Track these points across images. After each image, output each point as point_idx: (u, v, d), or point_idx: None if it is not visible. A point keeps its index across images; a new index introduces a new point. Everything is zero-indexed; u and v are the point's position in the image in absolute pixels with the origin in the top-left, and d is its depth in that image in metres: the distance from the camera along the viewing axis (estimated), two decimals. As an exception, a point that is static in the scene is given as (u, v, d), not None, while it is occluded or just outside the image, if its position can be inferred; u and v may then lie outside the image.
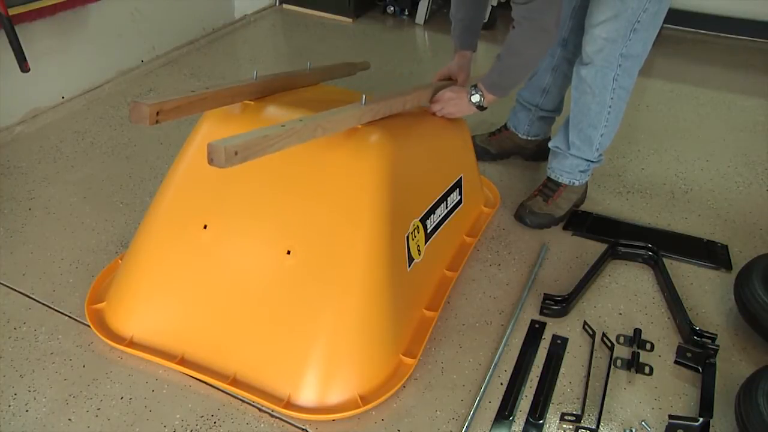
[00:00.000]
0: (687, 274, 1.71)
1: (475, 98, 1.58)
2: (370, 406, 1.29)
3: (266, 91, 1.51)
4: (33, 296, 1.57)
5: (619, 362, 1.44)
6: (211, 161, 1.02)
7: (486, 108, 1.61)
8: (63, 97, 2.41)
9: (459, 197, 1.70)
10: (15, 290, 1.59)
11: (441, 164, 1.64)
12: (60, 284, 1.61)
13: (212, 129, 1.42)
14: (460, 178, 1.71)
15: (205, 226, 1.38)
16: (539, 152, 2.10)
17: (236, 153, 1.03)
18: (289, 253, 1.31)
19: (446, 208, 1.62)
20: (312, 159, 1.35)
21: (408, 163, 1.43)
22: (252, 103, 1.46)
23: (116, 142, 2.21)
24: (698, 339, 1.46)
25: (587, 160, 1.81)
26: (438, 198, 1.58)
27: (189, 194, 1.43)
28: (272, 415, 1.30)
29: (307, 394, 1.29)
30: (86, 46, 2.43)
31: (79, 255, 1.70)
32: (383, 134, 1.39)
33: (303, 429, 1.28)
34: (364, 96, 1.39)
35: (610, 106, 1.69)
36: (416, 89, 1.60)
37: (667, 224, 1.91)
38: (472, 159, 1.82)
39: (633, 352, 1.46)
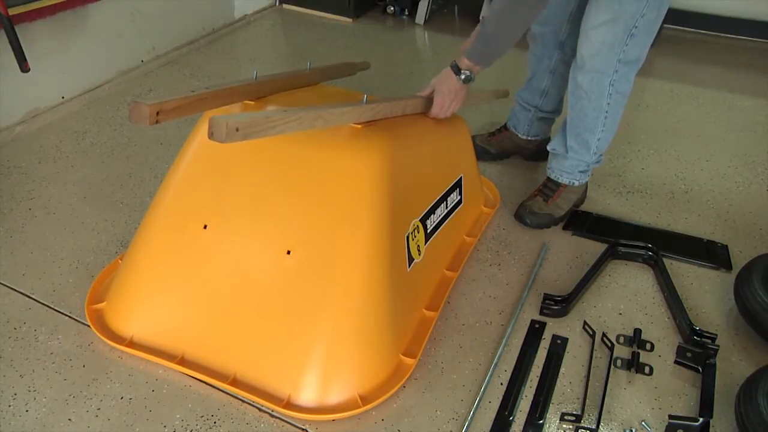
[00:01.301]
0: (687, 274, 1.71)
1: (466, 78, 1.54)
2: (370, 406, 1.29)
3: (266, 91, 1.51)
4: (33, 296, 1.57)
5: (619, 362, 1.44)
6: (211, 135, 1.02)
7: (474, 79, 1.57)
8: (63, 97, 2.41)
9: (459, 197, 1.70)
10: (15, 290, 1.59)
11: (441, 164, 1.64)
12: (60, 284, 1.61)
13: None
14: (460, 178, 1.71)
15: (205, 226, 1.38)
16: (539, 152, 2.10)
17: (237, 129, 1.03)
18: (289, 253, 1.32)
19: (446, 208, 1.62)
20: (312, 159, 1.35)
21: (408, 163, 1.43)
22: (252, 103, 1.46)
23: (116, 142, 2.21)
24: (698, 339, 1.46)
25: (586, 162, 1.81)
26: (438, 198, 1.58)
27: (189, 194, 1.43)
28: (272, 415, 1.30)
29: (307, 394, 1.29)
30: (86, 46, 2.43)
31: (79, 255, 1.70)
32: (383, 134, 1.39)
33: (303, 429, 1.28)
34: (366, 96, 1.39)
35: (606, 111, 1.69)
36: (413, 97, 1.58)
37: (667, 224, 1.91)
38: (472, 159, 1.82)
39: (633, 352, 1.46)
